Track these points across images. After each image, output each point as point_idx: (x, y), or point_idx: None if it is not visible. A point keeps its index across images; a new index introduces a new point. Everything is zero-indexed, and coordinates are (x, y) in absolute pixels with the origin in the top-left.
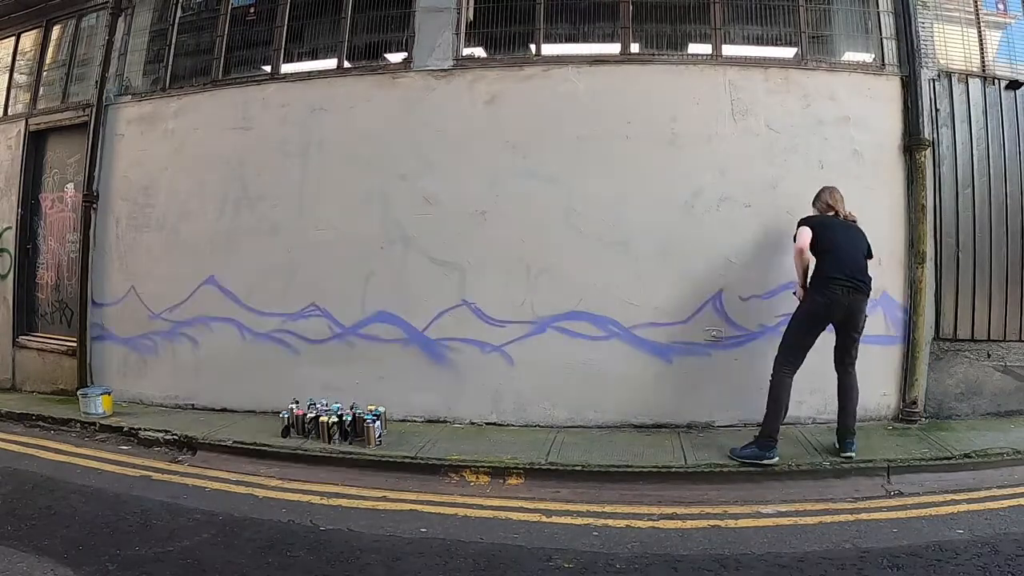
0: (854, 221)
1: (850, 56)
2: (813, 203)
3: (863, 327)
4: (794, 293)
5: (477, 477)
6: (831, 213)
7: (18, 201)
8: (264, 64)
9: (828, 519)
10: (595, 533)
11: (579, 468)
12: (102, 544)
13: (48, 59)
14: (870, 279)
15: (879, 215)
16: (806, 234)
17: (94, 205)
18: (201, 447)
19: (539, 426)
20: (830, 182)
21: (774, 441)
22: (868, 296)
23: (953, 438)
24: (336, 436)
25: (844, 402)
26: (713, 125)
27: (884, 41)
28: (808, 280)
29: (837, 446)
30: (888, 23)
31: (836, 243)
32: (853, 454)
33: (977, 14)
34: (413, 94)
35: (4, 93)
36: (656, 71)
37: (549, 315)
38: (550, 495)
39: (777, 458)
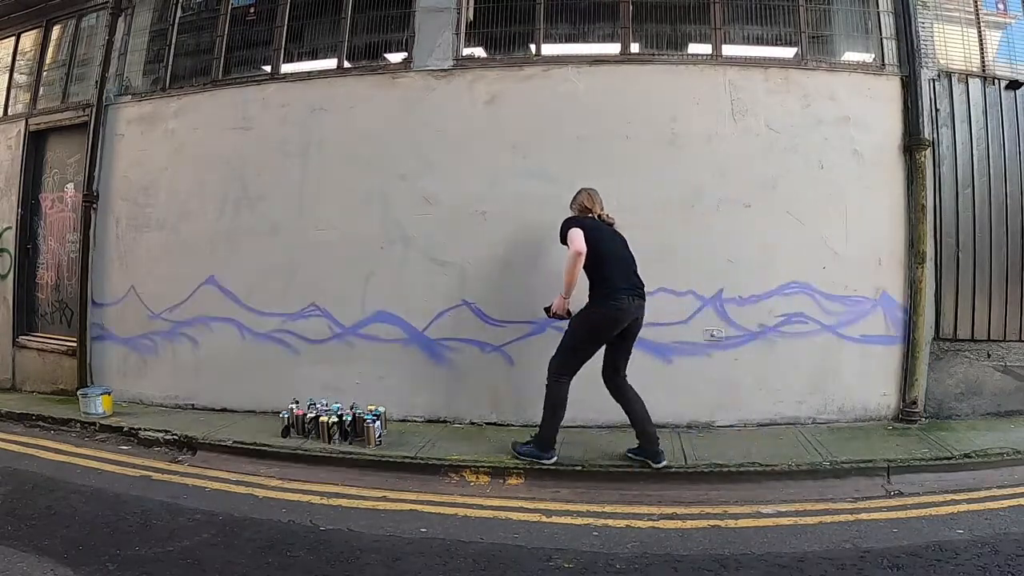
0: (611, 224)
1: (850, 56)
2: (571, 204)
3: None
4: (549, 309)
5: (477, 477)
6: (589, 216)
7: (18, 201)
8: (264, 64)
9: (828, 519)
10: (595, 533)
11: (579, 468)
12: (102, 544)
13: (48, 59)
14: (642, 286)
15: (879, 215)
16: (580, 235)
17: (94, 205)
18: (201, 447)
19: (539, 426)
20: (830, 182)
21: (553, 443)
22: (645, 300)
23: (953, 438)
24: (336, 436)
25: (638, 411)
26: (713, 125)
27: (884, 41)
28: (591, 288)
29: (649, 460)
30: (888, 23)
31: (610, 249)
32: (666, 461)
33: (977, 14)
34: (413, 94)
35: (4, 93)
36: (656, 71)
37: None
38: (550, 495)
39: (556, 459)
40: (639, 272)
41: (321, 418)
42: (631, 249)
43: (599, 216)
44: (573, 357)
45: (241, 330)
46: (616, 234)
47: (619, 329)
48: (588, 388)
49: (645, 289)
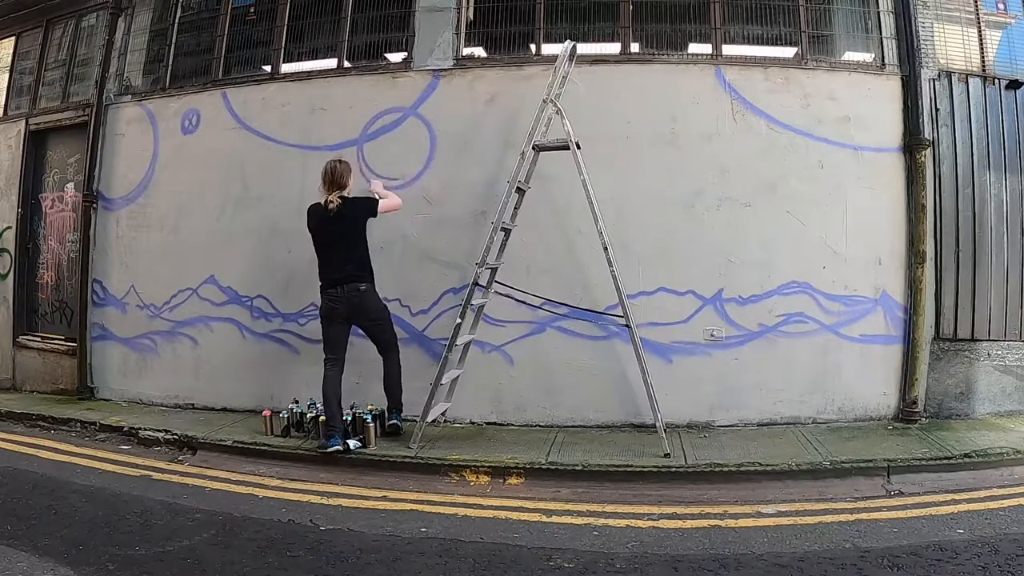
0: (336, 208)
1: (850, 56)
2: None
3: (378, 315)
4: None
5: (477, 477)
6: (322, 202)
7: (18, 201)
8: (264, 64)
9: (828, 519)
10: (595, 533)
11: (579, 468)
12: (102, 544)
13: (48, 59)
14: (360, 269)
15: (879, 215)
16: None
17: (94, 205)
18: (201, 447)
19: (539, 426)
20: (830, 182)
21: (332, 430)
22: (365, 284)
23: (953, 438)
24: None
25: (385, 383)
26: (713, 125)
27: (884, 41)
28: None
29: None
30: (888, 23)
31: (318, 243)
32: (397, 422)
33: (977, 14)
34: (413, 94)
35: (4, 93)
36: (656, 71)
37: (549, 315)
38: (550, 495)
39: (337, 446)
40: (355, 263)
41: (321, 418)
42: (353, 228)
43: (326, 203)
44: (326, 346)
45: (241, 330)
46: (332, 221)
47: (341, 316)
48: (589, 388)
49: (354, 276)
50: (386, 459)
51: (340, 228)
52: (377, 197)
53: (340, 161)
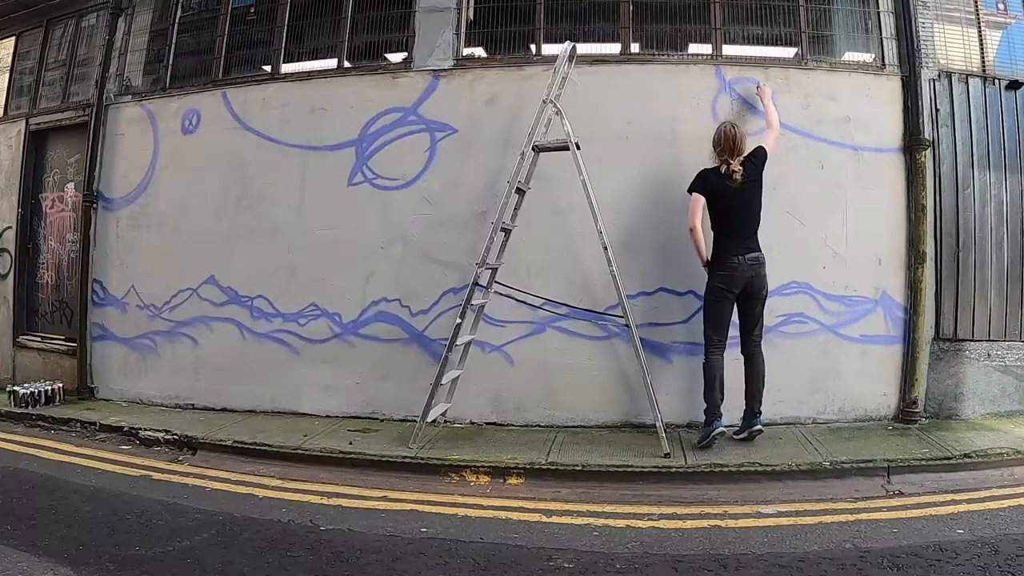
0: (740, 178)
1: (850, 56)
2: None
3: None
4: None
5: (477, 477)
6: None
7: (18, 201)
8: (264, 64)
9: (828, 519)
10: (595, 533)
11: (579, 468)
12: (102, 544)
13: (48, 59)
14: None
15: (879, 215)
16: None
17: (94, 205)
18: (201, 447)
19: (539, 426)
20: (830, 182)
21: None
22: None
23: (953, 438)
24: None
25: (753, 383)
26: (713, 125)
27: (884, 41)
28: None
29: None
30: (888, 23)
31: (717, 212)
32: (760, 428)
33: (977, 14)
34: (413, 94)
35: (4, 93)
36: (656, 71)
37: (549, 315)
38: (550, 495)
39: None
40: None
41: None
42: None
43: (728, 171)
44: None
45: (241, 330)
46: (735, 192)
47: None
48: (589, 388)
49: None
50: (386, 459)
51: (744, 198)
52: (765, 148)
53: (735, 125)
